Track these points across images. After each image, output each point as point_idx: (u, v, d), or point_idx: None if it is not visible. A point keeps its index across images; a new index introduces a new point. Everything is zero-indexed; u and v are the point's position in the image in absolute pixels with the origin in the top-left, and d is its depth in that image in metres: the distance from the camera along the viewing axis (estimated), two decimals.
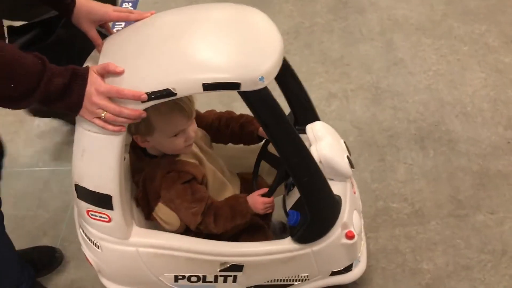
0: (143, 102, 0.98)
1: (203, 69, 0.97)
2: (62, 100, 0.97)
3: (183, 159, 1.22)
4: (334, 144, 1.30)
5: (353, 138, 1.98)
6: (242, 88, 0.97)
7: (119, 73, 0.99)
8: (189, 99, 1.16)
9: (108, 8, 1.12)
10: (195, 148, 1.28)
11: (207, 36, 1.02)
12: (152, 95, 0.97)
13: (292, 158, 1.09)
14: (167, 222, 1.27)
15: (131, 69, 0.99)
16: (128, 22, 1.14)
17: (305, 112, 1.37)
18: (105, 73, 0.99)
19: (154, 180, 1.20)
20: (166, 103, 1.02)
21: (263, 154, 1.38)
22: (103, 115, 0.98)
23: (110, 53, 1.06)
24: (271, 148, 1.36)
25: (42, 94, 0.93)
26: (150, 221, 1.30)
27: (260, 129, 1.37)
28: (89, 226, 1.20)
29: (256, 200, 1.24)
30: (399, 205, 1.76)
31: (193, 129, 1.20)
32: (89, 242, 1.24)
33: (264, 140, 1.39)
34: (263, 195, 1.25)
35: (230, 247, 1.25)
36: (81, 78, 0.97)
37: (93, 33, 1.12)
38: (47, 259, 1.63)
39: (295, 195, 1.27)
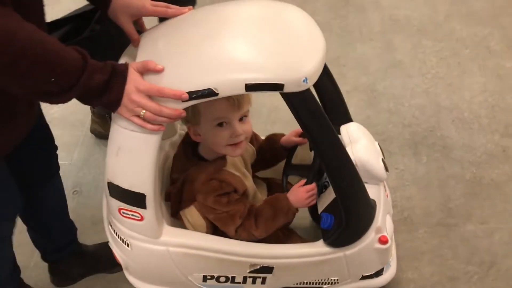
0: (183, 101, 0.95)
1: (246, 69, 0.94)
2: (101, 97, 0.94)
3: (229, 170, 1.19)
4: (370, 146, 1.27)
5: None
6: (285, 90, 0.94)
7: (159, 71, 0.96)
8: None
9: (145, 2, 1.09)
10: (240, 163, 1.25)
11: (248, 35, 0.99)
12: (193, 95, 0.95)
13: (332, 162, 1.07)
14: (193, 226, 1.25)
15: (171, 67, 0.97)
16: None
17: (338, 113, 1.34)
18: (145, 71, 0.97)
19: (195, 183, 1.17)
20: None
21: (289, 166, 1.35)
22: (142, 113, 0.96)
23: (148, 49, 1.04)
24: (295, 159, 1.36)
25: (82, 90, 0.90)
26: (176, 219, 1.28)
27: (283, 138, 1.35)
28: (120, 223, 1.19)
29: (298, 192, 1.20)
30: None
31: (241, 125, 1.13)
32: (118, 239, 1.23)
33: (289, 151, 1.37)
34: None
35: (261, 249, 1.22)
36: (121, 75, 0.94)
37: (129, 28, 1.09)
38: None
39: (328, 197, 1.24)
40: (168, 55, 1.00)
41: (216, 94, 0.95)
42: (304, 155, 1.41)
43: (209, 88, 0.94)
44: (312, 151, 1.35)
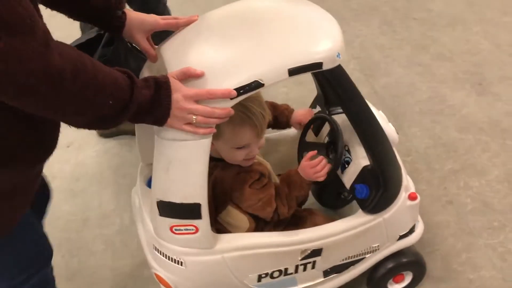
0: (231, 99, 0.97)
1: (285, 55, 0.99)
2: (151, 112, 0.93)
3: None
4: (379, 114, 1.36)
5: None
6: (324, 67, 1.00)
7: (199, 75, 0.97)
8: (263, 116, 1.15)
9: (156, 17, 1.10)
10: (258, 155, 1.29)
11: (273, 24, 1.04)
12: (240, 90, 0.97)
13: (369, 128, 1.14)
14: (235, 225, 1.26)
15: (209, 68, 0.98)
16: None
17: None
18: (185, 78, 0.97)
19: (224, 182, 1.19)
20: (240, 115, 1.05)
21: (303, 144, 1.41)
22: (194, 118, 0.96)
23: (176, 58, 1.04)
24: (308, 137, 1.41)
25: (135, 107, 0.89)
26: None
27: (292, 118, 1.41)
28: (171, 243, 1.16)
29: (304, 167, 1.24)
30: None
31: (259, 145, 1.20)
32: (169, 261, 1.20)
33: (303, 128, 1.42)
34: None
35: (309, 233, 1.26)
36: (165, 87, 0.94)
37: (145, 44, 1.09)
38: None
39: (355, 170, 1.31)
40: (201, 58, 1.01)
41: (263, 85, 0.98)
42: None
43: (255, 80, 0.97)
44: (324, 130, 1.41)
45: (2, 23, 0.68)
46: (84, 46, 1.14)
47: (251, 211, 1.23)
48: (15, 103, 0.77)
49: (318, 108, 1.47)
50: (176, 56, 1.05)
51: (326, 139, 1.38)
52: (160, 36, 1.14)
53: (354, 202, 1.45)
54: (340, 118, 1.31)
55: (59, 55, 0.75)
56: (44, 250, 1.13)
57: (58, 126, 0.95)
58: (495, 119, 2.14)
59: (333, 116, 1.35)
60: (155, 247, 1.21)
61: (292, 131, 1.52)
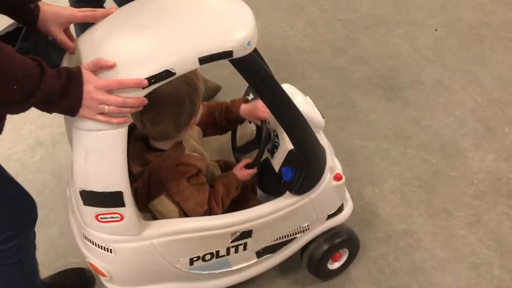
0: (143, 88, 1.00)
1: (195, 45, 1.01)
2: (61, 102, 0.95)
3: (188, 153, 1.26)
4: (305, 100, 1.40)
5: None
6: (234, 55, 1.03)
7: (111, 66, 0.99)
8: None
9: (72, 10, 1.11)
10: (195, 143, 1.32)
11: (187, 15, 1.06)
12: (152, 79, 0.99)
13: (285, 113, 1.18)
14: (164, 214, 1.29)
15: (121, 60, 1.00)
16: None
17: None
18: (97, 69, 0.99)
19: (161, 172, 1.22)
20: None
21: (236, 150, 1.47)
22: (106, 108, 0.98)
23: (91, 50, 1.06)
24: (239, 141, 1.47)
25: (43, 95, 0.92)
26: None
27: (241, 109, 1.42)
28: (98, 231, 1.19)
29: (242, 173, 1.35)
30: None
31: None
32: (99, 249, 1.22)
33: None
34: (248, 167, 1.36)
35: (239, 216, 1.30)
36: (77, 77, 0.96)
37: (62, 37, 1.10)
38: (79, 282, 1.55)
39: (282, 154, 1.35)
40: (114, 49, 1.03)
41: (174, 74, 1.00)
42: (244, 130, 1.52)
43: (166, 70, 0.99)
44: (248, 123, 1.46)
45: None
46: (3, 39, 1.14)
47: (181, 206, 1.26)
48: None
49: (251, 96, 1.51)
50: (91, 48, 1.07)
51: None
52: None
53: None
54: None
55: None
56: (24, 206, 1.19)
57: None
58: (400, 126, 2.12)
59: None
60: (85, 236, 1.24)
61: None
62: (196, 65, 1.01)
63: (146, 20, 1.07)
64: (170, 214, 1.28)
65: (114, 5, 1.17)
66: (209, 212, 1.28)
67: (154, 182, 1.23)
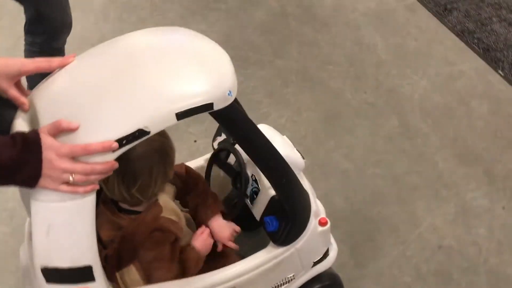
0: (114, 151, 0.87)
1: (172, 99, 0.90)
2: (15, 175, 0.82)
3: (166, 216, 1.11)
4: (283, 140, 1.31)
5: None
6: (215, 107, 0.93)
7: (74, 129, 0.86)
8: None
9: (23, 61, 0.96)
10: (173, 203, 1.19)
11: (160, 64, 0.94)
12: (123, 141, 0.87)
13: (270, 163, 1.08)
14: (128, 284, 1.14)
15: (86, 119, 0.88)
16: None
17: None
18: (58, 132, 0.86)
19: (134, 239, 1.08)
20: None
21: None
22: (71, 179, 0.85)
23: (49, 108, 0.92)
24: None
25: None
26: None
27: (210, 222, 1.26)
28: None
29: (201, 238, 1.18)
30: None
31: None
32: None
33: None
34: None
35: (220, 275, 1.18)
36: (34, 144, 0.83)
37: (13, 92, 0.95)
38: None
39: (262, 201, 1.26)
40: (77, 107, 0.90)
41: (148, 133, 0.89)
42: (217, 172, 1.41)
43: (139, 129, 0.87)
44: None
45: None
46: None
47: (151, 276, 1.12)
48: None
49: (223, 136, 1.41)
50: (48, 106, 0.93)
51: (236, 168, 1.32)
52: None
53: None
54: None
55: None
56: None
57: None
58: None
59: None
60: None
61: (200, 163, 1.43)
62: (173, 121, 0.90)
63: (113, 70, 0.94)
64: (133, 285, 1.14)
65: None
66: None
67: (125, 250, 1.09)
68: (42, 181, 0.85)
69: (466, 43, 2.57)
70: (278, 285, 1.32)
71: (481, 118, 2.23)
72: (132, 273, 1.13)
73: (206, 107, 0.91)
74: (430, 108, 2.24)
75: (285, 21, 2.59)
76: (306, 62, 2.41)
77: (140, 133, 0.88)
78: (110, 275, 1.13)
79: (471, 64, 2.48)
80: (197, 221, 1.26)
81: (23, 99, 0.96)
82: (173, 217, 1.13)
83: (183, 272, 1.15)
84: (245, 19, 2.55)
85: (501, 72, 2.44)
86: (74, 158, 0.85)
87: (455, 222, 1.84)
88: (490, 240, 1.79)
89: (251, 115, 1.04)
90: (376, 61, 2.44)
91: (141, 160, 1.02)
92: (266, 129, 1.30)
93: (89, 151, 0.85)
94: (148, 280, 1.13)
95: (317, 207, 1.34)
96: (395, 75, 2.39)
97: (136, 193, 1.04)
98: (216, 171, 1.41)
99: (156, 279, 1.12)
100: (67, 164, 0.84)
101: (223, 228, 1.24)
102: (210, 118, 0.96)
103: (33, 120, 0.93)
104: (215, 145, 1.40)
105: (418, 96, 2.30)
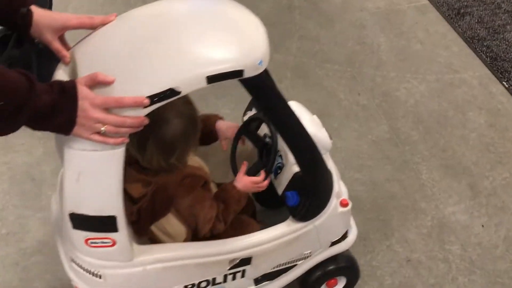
0: (145, 107, 0.91)
1: (204, 62, 0.93)
2: (51, 120, 0.87)
3: (192, 164, 1.17)
4: (312, 119, 1.32)
5: None
6: (245, 75, 0.95)
7: (109, 82, 0.91)
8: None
9: (68, 16, 1.01)
10: (197, 158, 1.24)
11: (195, 29, 0.97)
12: (154, 98, 0.91)
13: (295, 137, 1.10)
14: (172, 234, 1.20)
15: (121, 75, 0.92)
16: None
17: None
18: (95, 84, 0.91)
19: (167, 189, 1.12)
20: None
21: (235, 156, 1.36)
22: (103, 129, 0.90)
23: (88, 62, 0.97)
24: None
25: (31, 112, 0.83)
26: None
27: (216, 125, 1.32)
28: (88, 256, 1.10)
29: (244, 181, 1.21)
30: None
31: None
32: (87, 274, 1.13)
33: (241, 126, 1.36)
34: (249, 173, 1.24)
35: (238, 242, 1.22)
36: (70, 93, 0.87)
37: (56, 44, 1.00)
38: None
39: (286, 176, 1.27)
40: (114, 62, 0.94)
41: (179, 93, 0.92)
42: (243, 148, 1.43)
43: (170, 88, 0.91)
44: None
45: None
46: None
47: (191, 223, 1.18)
48: None
49: (253, 111, 1.43)
50: (88, 60, 0.98)
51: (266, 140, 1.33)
52: None
53: None
54: None
55: None
56: None
57: None
58: None
59: None
60: (72, 259, 1.14)
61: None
62: (203, 84, 0.93)
63: (150, 31, 0.98)
64: (177, 234, 1.20)
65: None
66: (213, 230, 1.19)
67: (159, 200, 1.13)
68: (76, 129, 0.89)
69: (474, 50, 2.44)
70: (295, 260, 1.34)
71: (475, 130, 2.11)
72: (172, 222, 1.18)
73: (236, 74, 0.94)
74: (424, 115, 2.14)
75: (290, 15, 2.55)
76: (304, 58, 2.35)
77: (171, 92, 0.91)
78: (140, 229, 1.18)
79: (474, 72, 2.35)
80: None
81: (64, 52, 1.01)
82: (197, 165, 1.19)
83: (225, 208, 1.19)
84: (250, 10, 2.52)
85: (505, 83, 2.30)
86: (107, 110, 0.90)
87: (429, 236, 1.75)
88: (462, 258, 1.70)
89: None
90: (376, 62, 2.36)
91: (177, 131, 1.06)
92: (296, 106, 1.31)
93: (121, 104, 0.89)
94: (196, 224, 1.18)
95: (340, 189, 1.35)
96: (393, 78, 2.29)
97: (174, 161, 1.09)
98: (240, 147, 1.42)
99: (203, 220, 1.16)
100: (100, 115, 0.88)
101: (230, 129, 1.30)
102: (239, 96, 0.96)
103: (73, 72, 0.98)
104: (245, 119, 1.42)
105: (414, 101, 2.20)
